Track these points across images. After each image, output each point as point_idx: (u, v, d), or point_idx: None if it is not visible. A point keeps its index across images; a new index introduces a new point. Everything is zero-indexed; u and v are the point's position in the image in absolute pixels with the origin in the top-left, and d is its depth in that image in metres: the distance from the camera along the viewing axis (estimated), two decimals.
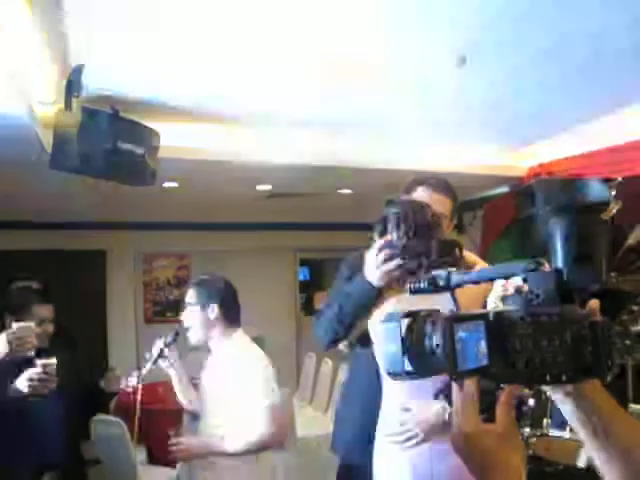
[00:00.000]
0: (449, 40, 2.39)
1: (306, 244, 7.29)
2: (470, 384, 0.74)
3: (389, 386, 1.71)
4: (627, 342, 2.33)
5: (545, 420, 2.60)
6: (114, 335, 6.08)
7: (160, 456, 4.19)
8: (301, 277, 7.79)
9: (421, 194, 1.80)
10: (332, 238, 7.30)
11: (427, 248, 1.59)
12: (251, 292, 6.85)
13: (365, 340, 1.77)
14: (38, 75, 2.41)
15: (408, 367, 0.73)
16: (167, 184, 4.62)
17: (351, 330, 1.76)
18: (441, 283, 0.87)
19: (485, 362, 0.69)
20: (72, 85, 2.40)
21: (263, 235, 6.79)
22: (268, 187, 5.03)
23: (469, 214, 5.44)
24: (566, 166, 4.08)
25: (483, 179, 4.42)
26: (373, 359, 1.74)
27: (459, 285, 0.86)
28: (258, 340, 7.49)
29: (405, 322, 0.76)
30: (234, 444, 2.17)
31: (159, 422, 4.35)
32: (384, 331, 0.77)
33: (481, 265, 1.80)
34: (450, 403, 1.61)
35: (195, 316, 2.32)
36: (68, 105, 2.46)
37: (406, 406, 1.63)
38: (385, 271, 1.62)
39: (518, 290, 0.78)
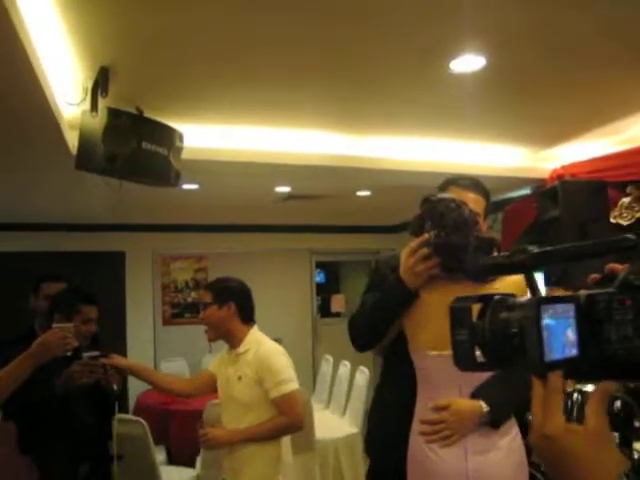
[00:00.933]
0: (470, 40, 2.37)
1: (323, 246, 7.29)
2: (556, 378, 0.66)
3: (424, 386, 1.69)
4: None
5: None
6: (133, 336, 6.11)
7: (179, 456, 4.22)
8: (317, 280, 7.78)
9: (454, 194, 1.77)
10: (349, 241, 7.30)
11: (465, 246, 1.58)
12: (268, 294, 6.90)
13: (400, 342, 1.75)
14: (64, 75, 2.43)
15: (479, 357, 0.67)
16: (187, 186, 4.64)
17: (386, 332, 1.74)
18: (518, 258, 0.74)
19: (575, 352, 0.62)
20: (98, 86, 2.42)
21: (280, 237, 6.80)
22: (287, 189, 5.04)
23: (489, 217, 5.40)
24: (589, 168, 4.04)
25: (505, 181, 4.39)
26: (408, 361, 1.73)
27: (540, 264, 0.75)
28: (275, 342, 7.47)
29: (476, 307, 0.68)
30: (261, 429, 2.32)
31: (178, 422, 4.38)
32: (452, 315, 0.71)
33: None
34: (488, 402, 1.59)
35: (214, 314, 2.43)
36: (94, 106, 2.47)
37: (441, 404, 1.61)
38: (422, 270, 1.61)
39: (613, 271, 0.69)
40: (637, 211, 4.02)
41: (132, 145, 2.56)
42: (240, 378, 2.36)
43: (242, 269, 6.90)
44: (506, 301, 0.68)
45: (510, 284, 1.70)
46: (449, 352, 1.56)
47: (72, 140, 2.84)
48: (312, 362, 7.19)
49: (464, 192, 1.78)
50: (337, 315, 7.71)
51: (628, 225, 4.04)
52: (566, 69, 2.77)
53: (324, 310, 7.64)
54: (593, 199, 3.67)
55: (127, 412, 2.70)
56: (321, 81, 2.85)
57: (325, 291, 7.99)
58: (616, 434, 2.46)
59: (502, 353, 0.66)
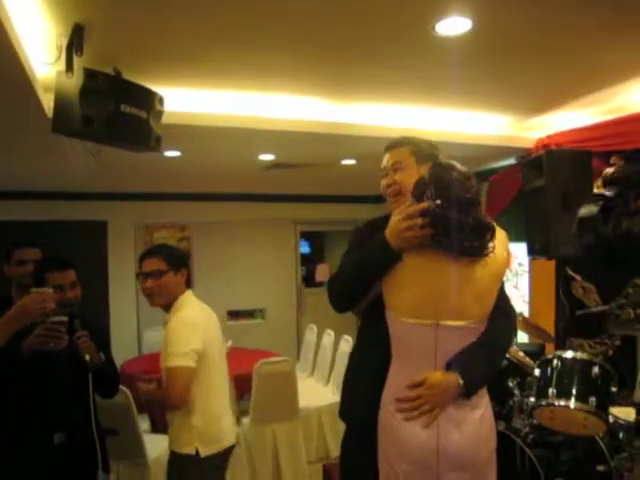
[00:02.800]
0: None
1: (307, 217, 7.26)
2: None
3: (398, 353, 1.68)
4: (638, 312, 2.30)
5: (551, 390, 2.60)
6: (115, 307, 6.07)
7: (163, 424, 4.23)
8: (302, 250, 7.77)
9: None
10: (334, 211, 7.27)
11: (461, 225, 1.54)
12: (252, 264, 6.91)
13: (378, 306, 1.73)
14: (36, 33, 2.34)
15: None
16: (169, 153, 4.56)
17: (365, 293, 1.72)
18: None
19: None
20: (73, 44, 2.33)
21: (264, 207, 6.75)
22: (271, 157, 4.97)
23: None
24: (574, 137, 4.03)
25: (490, 150, 4.36)
26: (384, 326, 1.72)
27: None
28: (259, 312, 7.57)
29: None
30: (152, 395, 2.36)
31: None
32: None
33: (500, 236, 1.73)
34: (462, 373, 1.59)
35: (171, 280, 2.38)
36: (69, 66, 2.39)
37: (417, 380, 1.60)
38: (411, 237, 1.58)
39: None
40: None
41: (110, 107, 2.48)
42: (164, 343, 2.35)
43: (226, 239, 6.91)
44: None
45: (500, 263, 1.68)
46: (427, 321, 1.57)
47: (48, 103, 2.75)
48: (296, 331, 7.22)
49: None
50: (321, 285, 7.72)
51: (612, 195, 4.07)
52: (552, 35, 2.72)
53: (309, 280, 7.64)
54: (578, 169, 3.67)
55: (113, 385, 2.64)
56: (306, 45, 2.78)
57: (310, 261, 7.99)
58: (594, 398, 2.50)
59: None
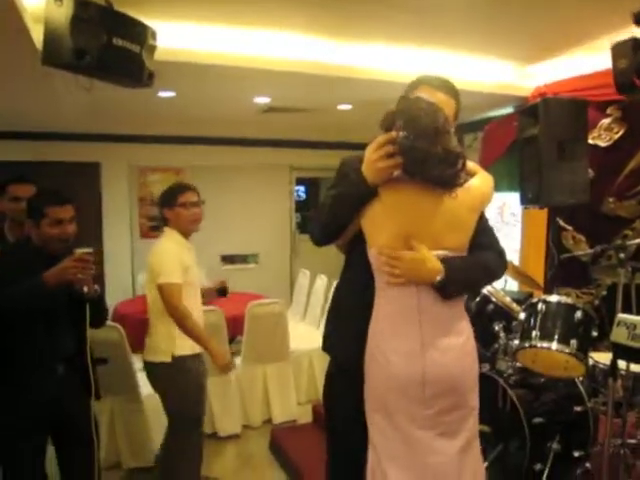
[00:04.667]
0: None
1: (303, 162, 7.22)
2: None
3: (381, 286, 1.72)
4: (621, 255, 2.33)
5: (534, 332, 2.67)
6: (109, 249, 6.08)
7: None
8: (297, 196, 7.76)
9: (424, 93, 1.70)
10: (330, 157, 7.21)
11: (430, 154, 1.55)
12: (247, 209, 6.91)
13: (359, 240, 1.76)
14: None
15: None
16: (163, 93, 4.49)
17: (344, 228, 1.74)
18: None
19: None
20: None
21: (260, 152, 6.70)
22: (267, 100, 4.91)
23: (470, 136, 5.36)
24: (572, 86, 3.99)
25: (490, 97, 4.32)
26: (365, 258, 1.74)
27: None
28: (252, 257, 7.58)
29: None
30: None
31: None
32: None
33: (483, 175, 1.76)
34: (447, 268, 1.62)
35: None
36: None
37: (414, 245, 1.64)
38: (383, 167, 1.59)
39: None
40: (616, 132, 4.03)
41: (102, 40, 2.43)
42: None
43: (221, 183, 6.87)
44: None
45: (475, 195, 1.70)
46: (404, 252, 1.59)
47: (38, 35, 2.68)
48: (290, 277, 7.30)
49: (435, 92, 1.71)
50: None
51: (606, 146, 4.06)
52: None
53: (303, 227, 7.66)
54: (573, 118, 3.62)
55: (103, 315, 2.69)
56: None
57: (305, 208, 7.98)
58: (575, 341, 2.57)
59: None
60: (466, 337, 1.72)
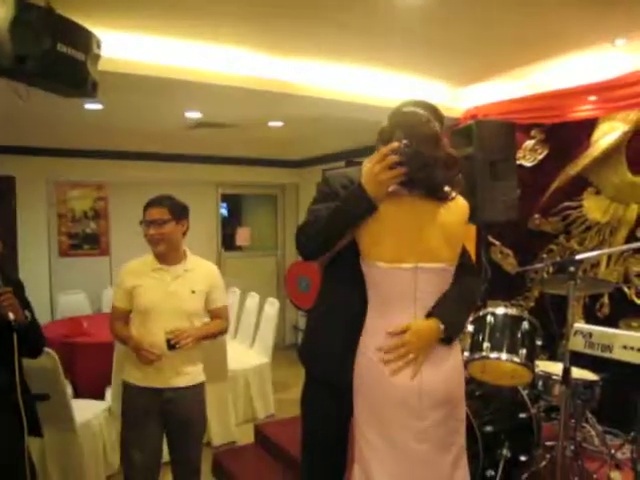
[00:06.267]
0: None
1: (230, 179, 7.13)
2: None
3: (375, 300, 1.71)
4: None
5: (485, 344, 2.76)
6: (26, 268, 5.65)
7: (85, 390, 4.06)
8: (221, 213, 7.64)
9: None
10: (255, 174, 7.19)
11: (433, 159, 1.59)
12: None
13: (348, 254, 1.75)
14: None
15: None
16: (90, 105, 4.28)
17: (337, 242, 1.72)
18: None
19: None
20: None
21: (186, 167, 6.55)
22: (198, 114, 4.81)
23: None
24: (501, 109, 4.22)
25: None
26: (357, 273, 1.74)
27: None
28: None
29: None
30: (213, 329, 2.78)
31: (84, 356, 4.20)
32: None
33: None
34: (443, 320, 1.65)
35: (173, 230, 2.66)
36: None
37: (401, 327, 1.64)
38: (387, 178, 1.59)
39: None
40: (539, 153, 4.30)
41: (46, 45, 2.26)
42: (194, 292, 2.65)
43: (145, 199, 6.58)
44: None
45: (463, 208, 1.76)
46: (406, 265, 1.61)
47: None
48: None
49: None
50: (241, 249, 7.66)
51: (530, 166, 4.33)
52: (484, 7, 2.83)
53: (227, 244, 7.54)
54: (503, 139, 3.83)
55: (38, 344, 2.47)
56: None
57: (228, 225, 7.85)
58: (524, 351, 2.69)
59: None
60: (457, 351, 1.76)
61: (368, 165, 1.63)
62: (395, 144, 1.58)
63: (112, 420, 3.65)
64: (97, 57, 2.62)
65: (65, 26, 2.40)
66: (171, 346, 2.48)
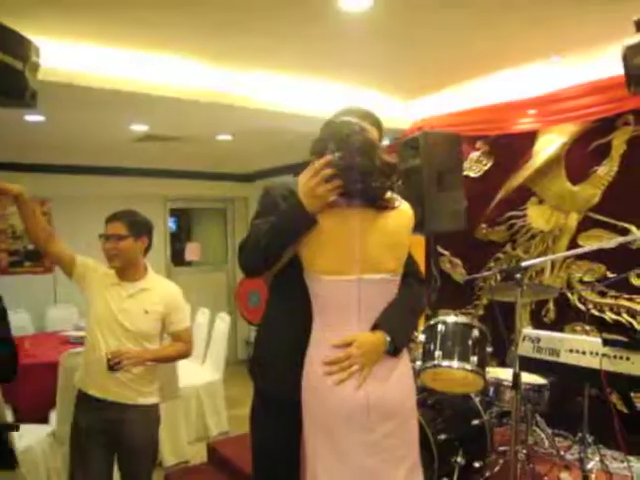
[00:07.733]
0: None
1: (178, 193, 7.01)
2: None
3: (321, 313, 1.69)
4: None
5: (437, 352, 2.78)
6: None
7: (28, 414, 3.87)
8: (168, 227, 7.49)
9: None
10: (203, 187, 7.10)
11: (371, 169, 1.57)
12: None
13: (291, 269, 1.72)
14: None
15: None
16: (31, 117, 4.13)
17: (280, 257, 1.70)
18: None
19: None
20: None
21: (133, 181, 6.39)
22: (144, 127, 4.71)
23: None
24: (447, 122, 4.32)
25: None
26: (300, 287, 1.72)
27: None
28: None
29: None
30: (168, 352, 2.65)
31: (26, 378, 4.00)
32: None
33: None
34: (389, 332, 1.64)
35: (130, 246, 2.53)
36: None
37: (346, 340, 1.62)
38: (323, 192, 1.57)
39: None
40: (484, 165, 4.42)
41: None
42: (147, 312, 2.52)
43: (90, 215, 6.37)
44: None
45: (408, 216, 1.77)
46: (349, 276, 1.60)
47: None
48: None
49: (360, 121, 1.75)
50: (190, 264, 7.53)
51: (476, 177, 4.44)
52: (432, 24, 2.90)
53: (176, 259, 7.39)
54: (450, 151, 3.92)
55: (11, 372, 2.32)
56: (194, 6, 2.66)
57: (176, 240, 7.71)
58: (475, 358, 2.72)
59: None
60: (405, 361, 1.75)
61: (303, 180, 1.60)
62: (328, 157, 1.55)
63: (57, 446, 3.48)
64: (36, 66, 2.52)
65: (1, 33, 2.31)
66: (110, 367, 2.36)
